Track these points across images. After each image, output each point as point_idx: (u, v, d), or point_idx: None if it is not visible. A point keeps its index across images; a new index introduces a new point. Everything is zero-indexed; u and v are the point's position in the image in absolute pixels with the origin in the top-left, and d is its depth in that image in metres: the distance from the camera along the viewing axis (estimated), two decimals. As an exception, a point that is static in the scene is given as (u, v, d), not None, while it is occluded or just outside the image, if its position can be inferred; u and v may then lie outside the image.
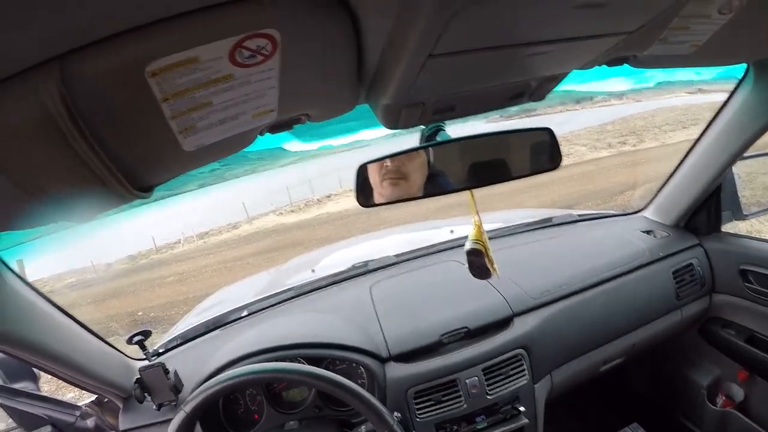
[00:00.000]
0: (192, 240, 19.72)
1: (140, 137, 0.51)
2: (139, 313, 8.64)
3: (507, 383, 1.34)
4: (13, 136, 0.41)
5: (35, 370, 1.30)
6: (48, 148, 0.43)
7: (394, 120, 0.69)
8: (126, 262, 18.21)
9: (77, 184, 0.50)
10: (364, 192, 0.87)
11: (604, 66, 0.85)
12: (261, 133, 0.67)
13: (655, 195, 1.91)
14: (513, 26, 0.48)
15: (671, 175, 1.74)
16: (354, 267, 1.86)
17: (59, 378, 1.15)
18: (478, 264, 1.11)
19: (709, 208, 1.74)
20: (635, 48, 0.73)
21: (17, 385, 1.25)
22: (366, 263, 1.86)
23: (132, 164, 0.53)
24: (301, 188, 28.02)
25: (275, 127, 0.66)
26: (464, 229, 2.03)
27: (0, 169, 0.44)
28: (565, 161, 1.01)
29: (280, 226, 18.31)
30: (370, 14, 0.44)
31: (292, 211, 22.50)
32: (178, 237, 20.42)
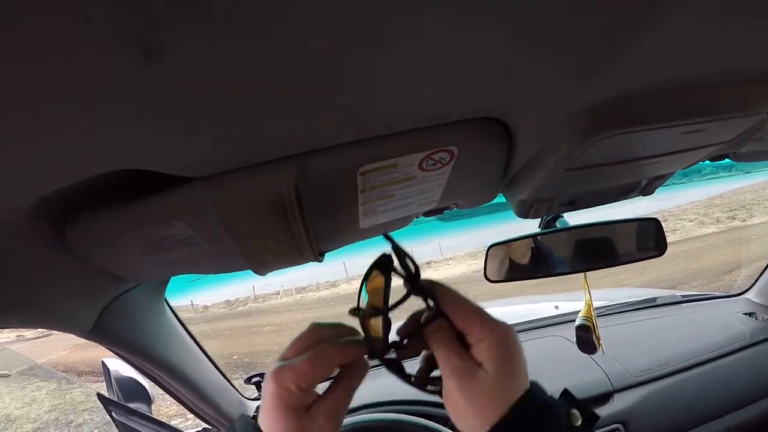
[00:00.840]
0: (290, 293, 19.72)
1: (335, 217, 0.60)
2: (234, 357, 8.86)
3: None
4: (251, 210, 0.47)
5: (150, 393, 1.36)
6: (271, 222, 0.50)
7: (526, 211, 0.79)
8: (223, 306, 18.56)
9: (281, 249, 0.57)
10: (492, 269, 1.00)
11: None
12: (417, 216, 0.78)
13: (759, 277, 1.89)
14: (635, 148, 0.58)
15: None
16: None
17: (181, 402, 1.25)
18: (586, 339, 1.21)
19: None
20: (734, 148, 0.81)
21: (131, 405, 1.29)
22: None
23: (322, 236, 0.63)
24: (401, 253, 27.68)
25: (429, 213, 0.79)
26: (568, 305, 2.08)
27: (234, 235, 0.51)
28: (670, 237, 1.08)
29: (378, 292, 17.99)
30: (524, 140, 0.53)
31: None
32: (277, 288, 20.54)
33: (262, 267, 0.57)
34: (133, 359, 1.05)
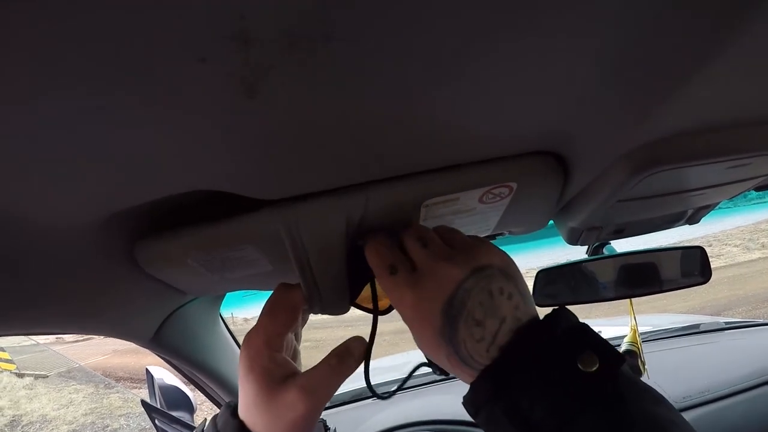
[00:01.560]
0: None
1: None
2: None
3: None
4: (320, 238, 0.47)
5: (193, 402, 1.38)
6: (335, 253, 0.50)
7: (576, 238, 0.80)
8: (263, 320, 18.47)
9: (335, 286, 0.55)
10: (540, 293, 1.01)
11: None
12: None
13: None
14: (683, 181, 0.59)
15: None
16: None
17: None
18: (631, 364, 1.20)
19: None
20: None
21: (174, 413, 1.31)
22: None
23: None
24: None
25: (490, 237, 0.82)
26: (612, 330, 2.06)
27: (300, 262, 0.50)
28: (715, 263, 1.08)
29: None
30: (579, 173, 0.54)
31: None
32: (316, 305, 20.22)
33: (314, 302, 0.55)
34: (185, 368, 1.08)
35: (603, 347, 0.39)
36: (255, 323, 0.50)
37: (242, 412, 0.48)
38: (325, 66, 0.26)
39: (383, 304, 0.55)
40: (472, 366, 0.41)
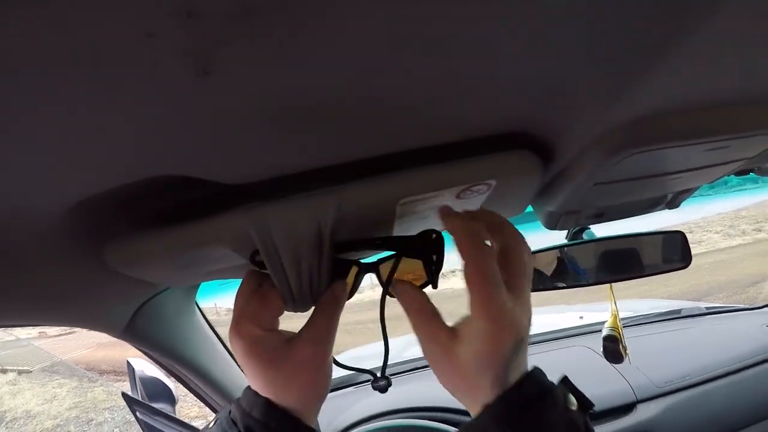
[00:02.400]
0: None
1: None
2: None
3: (627, 467, 1.37)
4: (291, 240, 0.46)
5: (174, 394, 1.38)
6: (305, 255, 0.48)
7: (554, 223, 0.80)
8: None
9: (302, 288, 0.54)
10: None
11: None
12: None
13: (783, 289, 1.88)
14: (661, 164, 0.59)
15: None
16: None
17: (206, 402, 1.24)
18: (613, 349, 1.22)
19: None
20: (758, 163, 0.82)
21: (156, 405, 1.30)
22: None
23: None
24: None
25: None
26: (593, 315, 2.08)
27: (273, 266, 0.48)
28: (696, 249, 1.09)
29: (405, 297, 17.89)
30: (555, 154, 0.53)
31: (417, 282, 22.16)
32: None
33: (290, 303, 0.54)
34: (162, 359, 1.07)
35: (578, 391, 0.48)
36: (243, 314, 0.50)
37: (261, 391, 0.49)
38: (281, 40, 0.24)
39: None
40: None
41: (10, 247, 0.44)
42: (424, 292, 0.50)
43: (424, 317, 0.48)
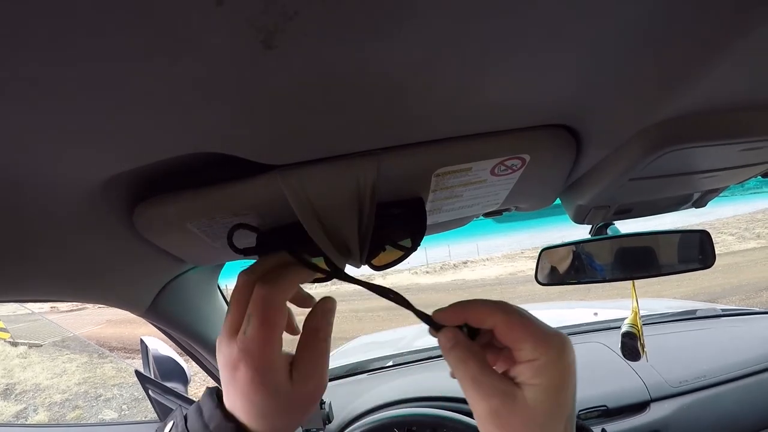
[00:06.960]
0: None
1: None
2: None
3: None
4: (327, 204, 0.47)
5: (188, 373, 1.40)
6: (345, 216, 0.49)
7: (582, 217, 0.79)
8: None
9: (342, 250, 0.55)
10: (543, 272, 1.01)
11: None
12: (476, 217, 0.79)
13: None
14: (695, 162, 0.58)
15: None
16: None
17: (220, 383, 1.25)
18: (631, 346, 1.22)
19: None
20: None
21: (168, 384, 1.33)
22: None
23: None
24: (439, 250, 27.16)
25: (488, 214, 0.80)
26: (607, 312, 2.08)
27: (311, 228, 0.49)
28: None
29: (414, 285, 18.11)
30: (592, 148, 0.53)
31: (427, 272, 22.08)
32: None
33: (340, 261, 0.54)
34: (181, 339, 1.07)
35: None
36: (248, 342, 0.46)
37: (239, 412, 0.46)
38: (349, 17, 0.24)
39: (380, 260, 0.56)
40: None
41: (41, 221, 0.44)
42: (475, 344, 0.46)
43: (477, 368, 0.44)
